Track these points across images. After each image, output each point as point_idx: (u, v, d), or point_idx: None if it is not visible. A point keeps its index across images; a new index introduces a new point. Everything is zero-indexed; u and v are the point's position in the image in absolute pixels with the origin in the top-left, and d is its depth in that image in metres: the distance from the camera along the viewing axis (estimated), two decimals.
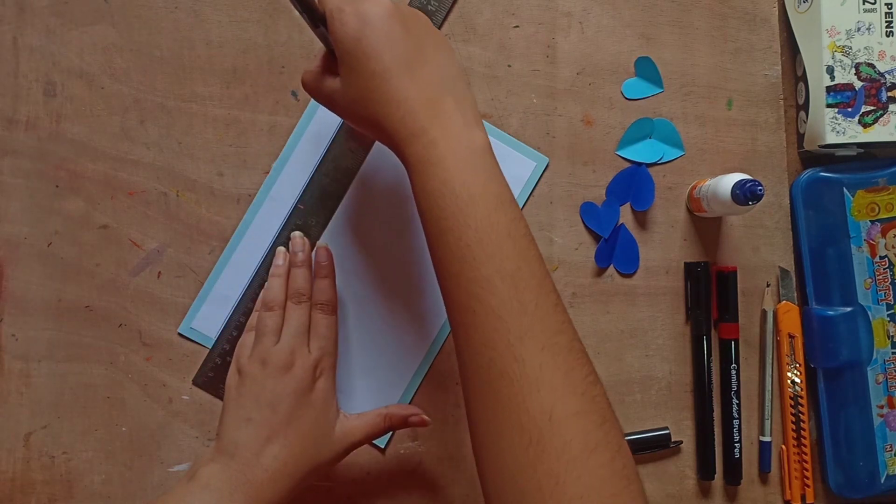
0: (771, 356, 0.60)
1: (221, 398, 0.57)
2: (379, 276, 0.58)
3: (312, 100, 0.58)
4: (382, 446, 0.58)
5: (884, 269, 0.60)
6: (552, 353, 0.39)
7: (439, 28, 0.59)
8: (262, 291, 0.56)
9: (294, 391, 0.50)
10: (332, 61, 0.48)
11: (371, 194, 0.59)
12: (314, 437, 0.50)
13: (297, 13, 0.45)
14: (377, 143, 0.58)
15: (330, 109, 0.49)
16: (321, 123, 0.59)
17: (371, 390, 0.58)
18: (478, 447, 0.41)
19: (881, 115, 0.58)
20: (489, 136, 0.59)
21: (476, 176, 0.43)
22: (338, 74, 0.47)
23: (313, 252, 0.57)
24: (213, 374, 0.57)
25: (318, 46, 0.59)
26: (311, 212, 0.58)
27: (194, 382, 0.58)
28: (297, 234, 0.57)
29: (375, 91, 0.44)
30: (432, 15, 0.59)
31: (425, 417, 0.54)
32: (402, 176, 0.58)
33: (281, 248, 0.57)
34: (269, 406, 0.50)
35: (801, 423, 0.59)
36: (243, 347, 0.53)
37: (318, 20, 0.45)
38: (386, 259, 0.59)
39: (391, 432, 0.58)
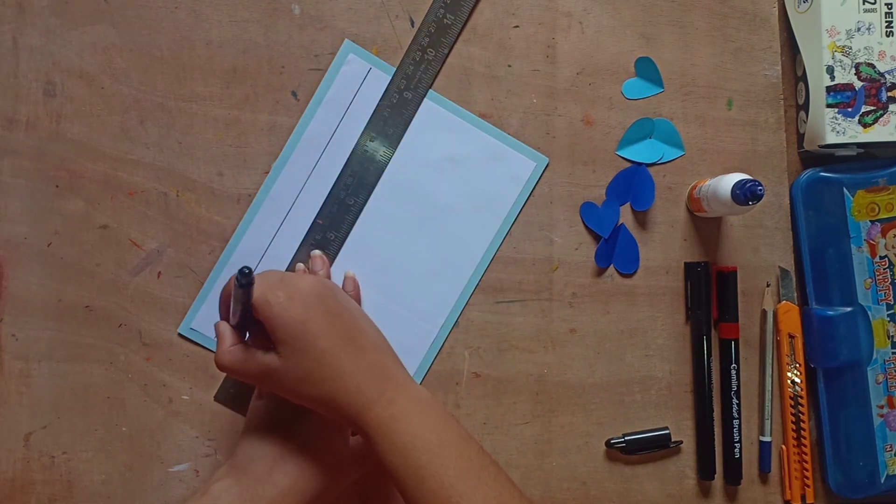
0: (771, 356, 0.60)
1: (242, 414, 0.57)
2: (385, 281, 0.58)
3: (313, 100, 0.58)
4: None
5: (884, 269, 0.60)
6: None
7: (455, 41, 0.59)
8: None
9: (310, 411, 0.50)
10: (241, 336, 0.48)
11: (389, 204, 0.59)
12: (327, 457, 0.50)
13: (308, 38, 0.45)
14: (398, 150, 0.58)
15: (260, 385, 0.50)
16: (321, 123, 0.59)
17: None
18: None
19: (881, 115, 0.58)
20: (489, 136, 0.59)
21: (437, 422, 0.47)
22: (265, 350, 0.47)
23: (334, 272, 0.58)
24: (235, 389, 0.57)
25: (317, 48, 0.59)
26: (331, 227, 0.58)
27: (216, 399, 0.58)
28: (316, 252, 0.57)
29: (325, 368, 0.46)
30: (448, 28, 0.59)
31: None
32: (420, 184, 0.58)
33: (300, 266, 0.57)
34: (285, 425, 0.50)
35: (801, 423, 0.59)
36: None
37: (246, 309, 0.46)
38: (393, 263, 0.59)
39: None
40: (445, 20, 0.59)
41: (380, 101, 0.59)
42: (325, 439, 0.50)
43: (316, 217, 0.58)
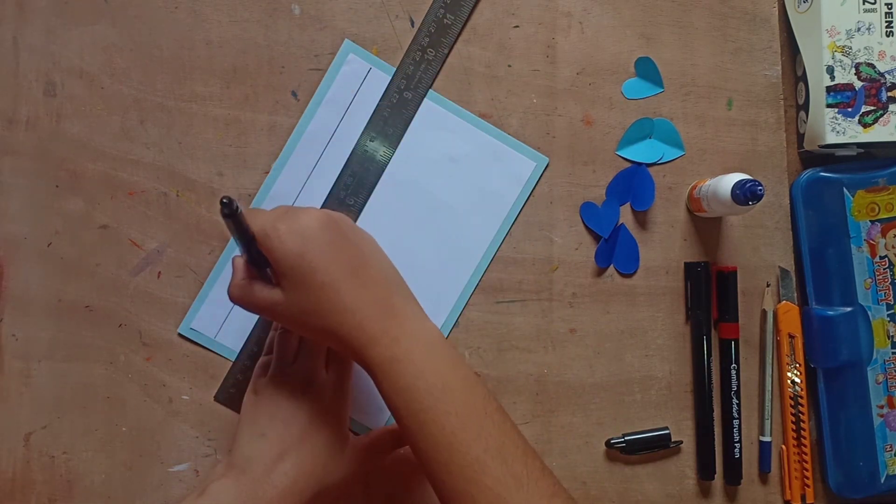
0: (771, 356, 0.60)
1: None
2: None
3: (313, 100, 0.58)
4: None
5: (884, 269, 0.60)
6: None
7: (455, 41, 0.59)
8: None
9: (308, 410, 0.50)
10: (256, 271, 0.48)
11: (389, 204, 0.59)
12: (325, 456, 0.50)
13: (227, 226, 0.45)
14: (398, 150, 0.58)
15: (269, 318, 0.50)
16: (321, 123, 0.59)
17: (371, 390, 0.58)
18: None
19: (881, 115, 0.58)
20: (489, 136, 0.59)
21: (443, 364, 0.45)
22: (270, 284, 0.47)
23: None
24: (235, 389, 0.57)
25: (317, 48, 0.59)
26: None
27: (216, 399, 0.58)
28: None
29: (327, 302, 0.45)
30: (448, 28, 0.59)
31: None
32: (420, 184, 0.58)
33: None
34: (283, 423, 0.50)
35: (801, 423, 0.59)
36: (261, 367, 0.54)
37: (249, 239, 0.45)
38: (400, 268, 0.58)
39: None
40: (445, 20, 0.59)
41: (380, 101, 0.59)
42: (324, 439, 0.50)
43: None
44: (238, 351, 0.58)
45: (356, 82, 0.59)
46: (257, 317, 0.58)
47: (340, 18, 0.59)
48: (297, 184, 0.58)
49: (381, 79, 0.59)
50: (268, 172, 0.58)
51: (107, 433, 0.57)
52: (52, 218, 0.57)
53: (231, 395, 0.57)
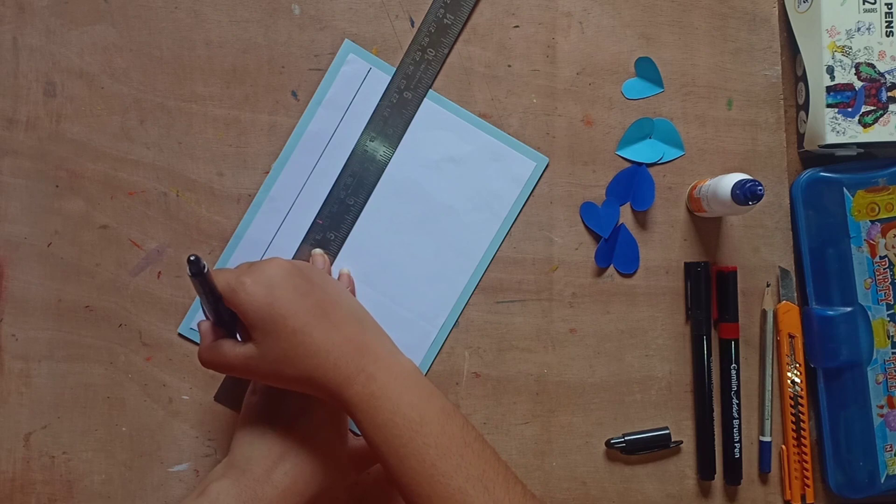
0: (771, 356, 0.60)
1: None
2: (385, 281, 0.58)
3: (313, 100, 0.58)
4: None
5: (884, 269, 0.60)
6: None
7: (455, 41, 0.59)
8: None
9: (309, 411, 0.50)
10: (220, 331, 0.48)
11: (390, 205, 0.59)
12: (325, 456, 0.50)
13: (196, 288, 0.45)
14: (398, 150, 0.58)
15: (245, 377, 0.50)
16: (321, 123, 0.59)
17: None
18: None
19: (881, 115, 0.58)
20: (489, 136, 0.59)
21: (420, 397, 0.45)
22: (239, 340, 0.47)
23: (335, 272, 0.58)
24: (235, 390, 0.57)
25: (317, 48, 0.59)
26: (330, 227, 0.58)
27: (216, 399, 0.58)
28: (317, 251, 0.57)
29: (300, 346, 0.45)
30: (448, 28, 0.59)
31: None
32: (420, 184, 0.58)
33: None
34: (283, 423, 0.50)
35: (801, 423, 0.59)
36: None
37: (216, 298, 0.46)
38: (393, 263, 0.59)
39: None
40: (445, 20, 0.59)
41: (380, 101, 0.59)
42: (324, 439, 0.50)
43: (316, 217, 0.58)
44: None
45: (356, 82, 0.59)
46: None
47: (340, 18, 0.59)
48: (297, 184, 0.58)
49: (381, 79, 0.59)
50: (268, 172, 0.58)
51: (107, 433, 0.57)
52: (52, 218, 0.57)
53: (231, 395, 0.57)
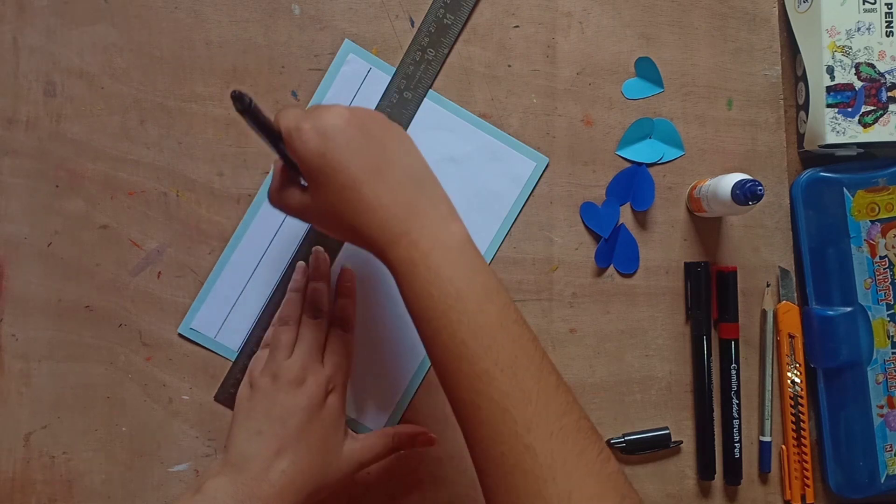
0: (771, 356, 0.60)
1: None
2: (385, 281, 0.58)
3: (313, 100, 0.58)
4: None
5: (884, 269, 0.60)
6: (561, 439, 0.40)
7: (455, 41, 0.59)
8: (281, 306, 0.56)
9: (305, 406, 0.50)
10: (291, 173, 0.48)
11: None
12: (323, 453, 0.50)
13: (253, 130, 0.44)
14: None
15: (302, 220, 0.49)
16: None
17: (371, 391, 0.58)
18: None
19: (881, 115, 0.58)
20: (489, 136, 0.59)
21: (461, 270, 0.43)
22: (302, 187, 0.47)
23: (336, 270, 0.57)
24: (235, 390, 0.57)
25: (317, 48, 0.59)
26: None
27: (216, 399, 0.58)
28: (318, 248, 0.57)
29: (349, 202, 0.44)
30: (448, 28, 0.59)
31: (432, 436, 0.55)
32: None
33: (301, 263, 0.57)
34: (280, 420, 0.49)
35: (801, 423, 0.59)
36: (257, 361, 0.53)
37: (275, 139, 0.45)
38: None
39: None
40: (445, 20, 0.59)
41: (380, 101, 0.59)
42: (321, 436, 0.50)
43: None
44: (238, 350, 0.58)
45: (356, 82, 0.59)
46: (257, 317, 0.58)
47: (340, 18, 0.59)
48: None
49: (381, 79, 0.59)
50: (268, 172, 0.58)
51: (107, 433, 0.57)
52: (52, 218, 0.57)
53: (231, 396, 0.57)
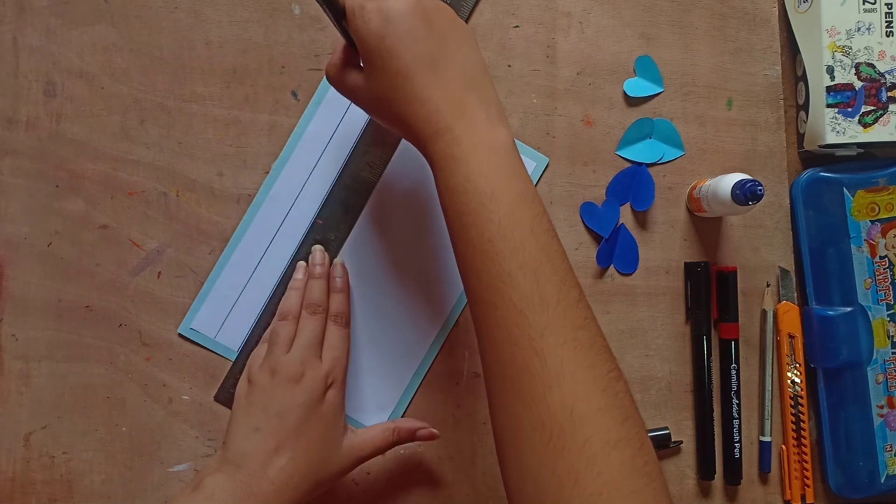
0: (771, 356, 0.60)
1: None
2: (386, 280, 0.58)
3: (313, 100, 0.58)
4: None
5: (884, 269, 0.60)
6: (573, 349, 0.39)
7: (467, 21, 0.59)
8: (280, 303, 0.56)
9: (303, 402, 0.50)
10: (353, 54, 0.47)
11: (390, 204, 0.59)
12: (321, 449, 0.50)
13: (318, 6, 0.44)
14: (396, 153, 0.58)
15: (353, 102, 0.49)
16: (321, 123, 0.59)
17: (371, 390, 0.58)
18: (499, 442, 0.41)
19: (881, 115, 0.58)
20: None
21: (499, 172, 0.43)
22: (360, 68, 0.47)
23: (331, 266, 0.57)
24: (234, 390, 0.57)
25: (317, 48, 0.59)
26: (331, 226, 0.58)
27: (216, 399, 0.58)
28: (317, 247, 0.57)
29: (399, 90, 0.44)
30: (459, 7, 0.59)
31: (434, 431, 0.55)
32: (420, 184, 0.58)
33: (301, 263, 0.57)
34: (278, 416, 0.49)
35: (801, 423, 0.59)
36: (256, 357, 0.53)
37: (339, 15, 0.45)
38: (394, 264, 0.59)
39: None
40: None
41: None
42: (320, 431, 0.50)
43: (316, 217, 0.58)
44: (238, 350, 0.58)
45: None
46: (257, 317, 0.58)
47: None
48: (297, 184, 0.58)
49: None
50: (268, 172, 0.58)
51: (107, 433, 0.57)
52: (52, 218, 0.57)
53: (231, 395, 0.57)
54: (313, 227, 0.58)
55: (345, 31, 0.46)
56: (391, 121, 0.46)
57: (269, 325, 0.57)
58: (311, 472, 0.49)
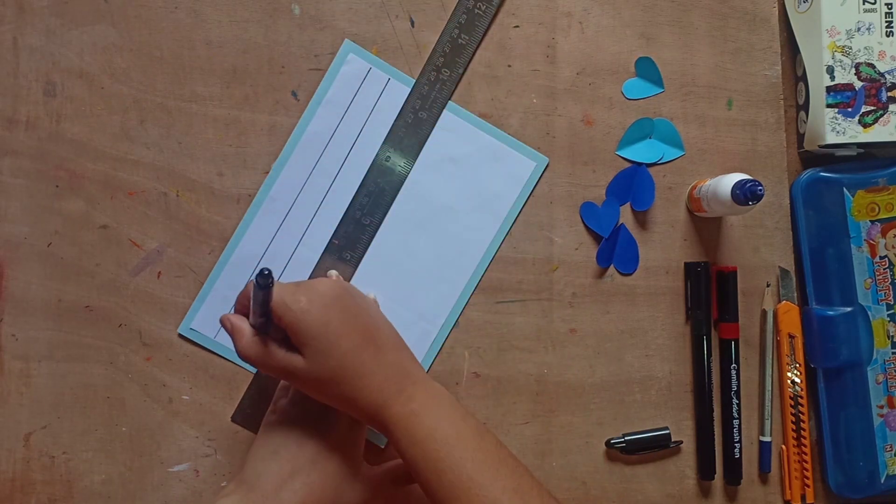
0: (771, 356, 0.60)
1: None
2: (385, 281, 0.58)
3: (313, 100, 0.58)
4: (382, 446, 0.58)
5: (884, 269, 0.60)
6: None
7: (470, 60, 0.59)
8: None
9: (324, 434, 0.50)
10: (269, 333, 0.48)
11: (403, 223, 0.59)
12: (337, 479, 0.49)
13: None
14: (413, 169, 0.58)
15: (286, 381, 0.51)
16: (321, 123, 0.59)
17: None
18: None
19: (881, 115, 0.58)
20: (489, 136, 0.59)
21: (455, 416, 0.47)
22: (287, 346, 0.47)
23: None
24: (252, 410, 0.57)
25: (317, 48, 0.59)
26: (346, 247, 0.58)
27: (233, 419, 0.58)
28: (332, 273, 0.57)
29: (348, 368, 0.46)
30: (478, 19, 0.59)
31: None
32: (420, 183, 0.58)
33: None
34: (297, 443, 0.49)
35: (801, 423, 0.59)
36: (283, 389, 0.54)
37: (268, 309, 0.46)
38: (393, 263, 0.59)
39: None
40: (460, 40, 0.59)
41: (395, 121, 0.59)
42: (338, 461, 0.50)
43: (314, 217, 0.58)
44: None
45: (356, 82, 0.59)
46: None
47: (340, 18, 0.59)
48: (297, 184, 0.58)
49: (380, 79, 0.59)
50: (268, 172, 0.58)
51: (107, 433, 0.57)
52: (52, 218, 0.57)
53: (248, 416, 0.57)
54: (314, 226, 0.58)
55: (265, 322, 0.47)
56: (336, 399, 0.48)
57: None
58: (325, 500, 0.49)
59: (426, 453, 0.46)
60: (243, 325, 0.48)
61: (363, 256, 0.58)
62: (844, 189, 0.59)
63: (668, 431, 0.59)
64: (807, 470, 0.59)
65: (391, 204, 0.58)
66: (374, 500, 0.52)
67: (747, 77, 0.61)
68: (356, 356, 0.47)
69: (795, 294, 0.60)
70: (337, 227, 0.58)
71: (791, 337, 0.60)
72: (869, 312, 0.59)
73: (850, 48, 0.57)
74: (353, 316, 0.48)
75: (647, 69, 0.60)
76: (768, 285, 0.61)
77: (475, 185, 0.59)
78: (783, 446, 0.60)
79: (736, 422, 0.59)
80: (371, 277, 0.58)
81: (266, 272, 0.42)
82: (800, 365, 0.60)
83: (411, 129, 0.59)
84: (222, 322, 0.49)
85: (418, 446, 0.46)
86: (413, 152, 0.59)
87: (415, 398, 0.47)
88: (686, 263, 0.60)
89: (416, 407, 0.47)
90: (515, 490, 0.45)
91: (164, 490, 0.57)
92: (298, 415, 0.51)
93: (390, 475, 0.53)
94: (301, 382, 0.48)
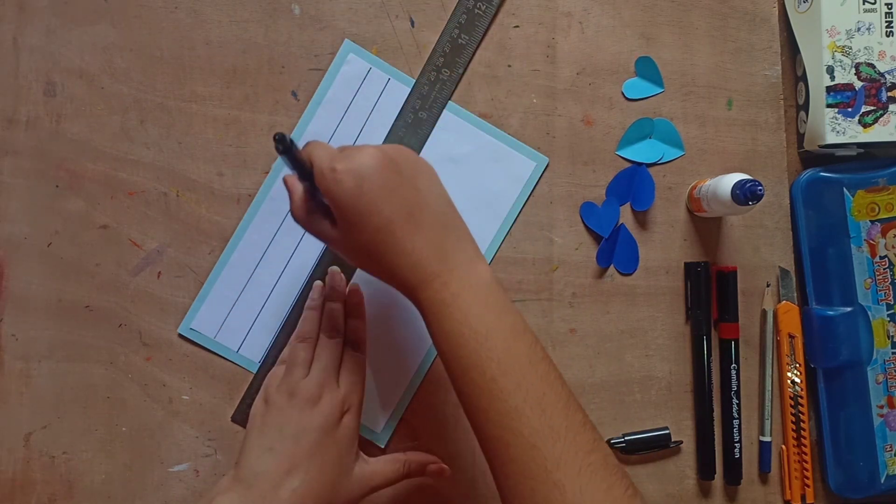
0: (771, 356, 0.60)
1: None
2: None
3: (313, 100, 0.58)
4: (382, 446, 0.58)
5: (884, 269, 0.60)
6: (590, 475, 0.41)
7: (470, 60, 0.59)
8: (299, 324, 0.55)
9: (319, 426, 0.50)
10: (317, 200, 0.47)
11: None
12: (334, 474, 0.49)
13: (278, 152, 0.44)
14: None
15: (331, 249, 0.50)
16: (321, 123, 0.59)
17: (372, 390, 0.58)
18: None
19: (881, 115, 0.58)
20: (489, 136, 0.59)
21: (490, 309, 0.44)
22: (329, 215, 0.47)
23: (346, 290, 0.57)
24: (251, 410, 0.57)
25: (317, 48, 0.59)
26: None
27: (233, 419, 0.57)
28: (334, 268, 0.57)
29: (381, 244, 0.45)
30: (478, 19, 0.59)
31: (444, 466, 0.55)
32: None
33: (318, 283, 0.56)
34: (293, 438, 0.49)
35: (801, 423, 0.59)
36: (273, 378, 0.53)
37: (308, 175, 0.45)
38: None
39: (391, 431, 0.58)
40: (460, 40, 0.59)
41: (395, 121, 0.59)
42: (334, 456, 0.50)
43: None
44: (258, 363, 0.58)
45: (356, 82, 0.59)
46: (255, 319, 0.58)
47: (340, 18, 0.59)
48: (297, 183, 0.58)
49: (380, 79, 0.59)
50: (268, 172, 0.58)
51: (107, 433, 0.57)
52: (52, 218, 0.57)
53: (247, 417, 0.57)
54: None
55: (312, 186, 0.46)
56: (375, 271, 0.47)
57: (274, 334, 0.57)
58: (323, 495, 0.48)
59: (452, 348, 0.44)
60: (298, 186, 0.47)
61: None
62: (844, 189, 0.59)
63: (668, 431, 0.59)
64: (807, 470, 0.59)
65: None
66: (370, 491, 0.52)
67: (747, 77, 0.61)
68: (389, 233, 0.44)
69: (795, 294, 0.60)
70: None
71: (791, 337, 0.60)
72: (869, 312, 0.59)
73: (850, 48, 0.57)
74: (391, 190, 0.44)
75: (647, 69, 0.60)
76: (768, 285, 0.61)
77: (475, 185, 0.59)
78: (783, 446, 0.60)
79: (736, 422, 0.59)
80: (371, 277, 0.58)
81: (278, 136, 0.41)
82: (800, 365, 0.60)
83: (411, 129, 0.59)
84: (283, 181, 0.49)
85: (446, 338, 0.44)
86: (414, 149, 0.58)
87: (449, 286, 0.44)
88: (686, 263, 0.60)
89: (449, 296, 0.44)
90: (538, 400, 0.42)
91: (164, 490, 0.57)
92: (291, 406, 0.50)
93: (387, 468, 0.52)
94: (339, 251, 0.47)
